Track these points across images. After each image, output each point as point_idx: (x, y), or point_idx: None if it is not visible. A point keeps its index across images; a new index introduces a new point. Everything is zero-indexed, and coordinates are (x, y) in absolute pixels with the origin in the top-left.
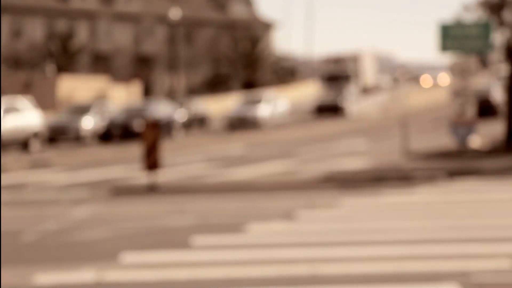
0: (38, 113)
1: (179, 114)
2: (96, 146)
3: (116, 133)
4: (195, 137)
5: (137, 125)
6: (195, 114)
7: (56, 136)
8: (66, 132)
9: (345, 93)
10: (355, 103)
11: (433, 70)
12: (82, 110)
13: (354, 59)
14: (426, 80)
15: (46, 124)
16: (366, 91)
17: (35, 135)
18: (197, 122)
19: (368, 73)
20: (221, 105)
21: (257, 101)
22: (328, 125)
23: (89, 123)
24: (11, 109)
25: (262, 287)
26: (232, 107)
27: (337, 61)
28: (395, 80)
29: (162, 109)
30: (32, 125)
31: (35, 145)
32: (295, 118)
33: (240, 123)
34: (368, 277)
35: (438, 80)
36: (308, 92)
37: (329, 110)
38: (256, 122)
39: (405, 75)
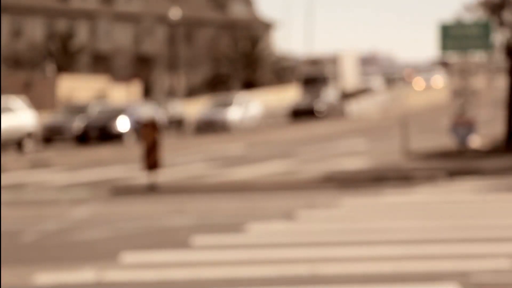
0: (32, 113)
1: (160, 116)
2: (73, 148)
3: (93, 134)
4: (172, 139)
5: (115, 127)
6: (172, 116)
7: (52, 136)
8: (62, 132)
9: (323, 96)
10: (354, 104)
11: (433, 70)
12: (78, 110)
13: (333, 60)
14: (418, 83)
15: (42, 124)
16: (347, 95)
17: (29, 135)
18: (175, 124)
19: (348, 76)
20: None
21: (227, 104)
22: (326, 126)
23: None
24: (5, 109)
25: (262, 287)
26: (201, 110)
27: (315, 63)
28: (391, 81)
29: (142, 110)
30: (26, 125)
31: (29, 145)
32: (280, 120)
33: (208, 127)
34: (368, 277)
35: (432, 82)
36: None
37: (305, 114)
38: (225, 126)
39: (411, 75)
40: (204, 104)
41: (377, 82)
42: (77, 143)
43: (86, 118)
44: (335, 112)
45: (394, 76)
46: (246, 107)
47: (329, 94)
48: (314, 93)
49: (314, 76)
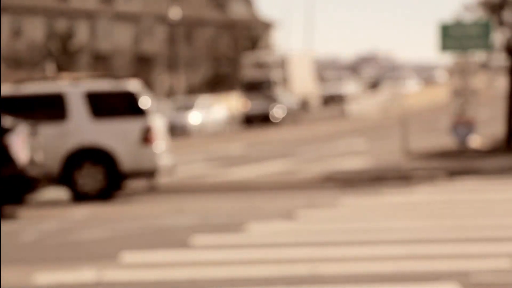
0: None
1: None
2: None
3: None
4: None
5: None
6: None
7: None
8: None
9: (281, 101)
10: (355, 103)
11: (432, 70)
12: None
13: (281, 63)
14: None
15: None
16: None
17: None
18: None
19: (299, 80)
20: None
21: (188, 108)
22: (326, 126)
23: None
24: None
25: (262, 287)
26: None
27: (261, 65)
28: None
29: None
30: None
31: None
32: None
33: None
34: (368, 277)
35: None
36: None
37: (259, 119)
38: (186, 130)
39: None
40: (166, 107)
41: (350, 87)
42: None
43: None
44: (294, 118)
45: (393, 78)
46: (208, 111)
47: (288, 99)
48: (259, 99)
49: (258, 81)
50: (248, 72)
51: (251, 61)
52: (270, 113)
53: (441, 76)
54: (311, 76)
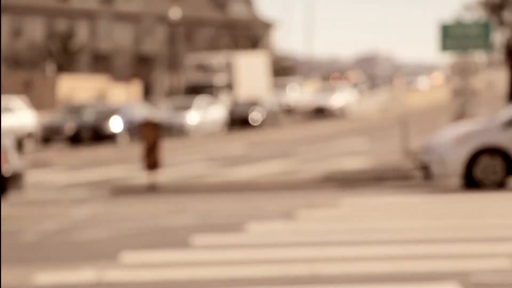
0: (32, 113)
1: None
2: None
3: (85, 135)
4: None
5: (108, 127)
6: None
7: (50, 136)
8: (60, 132)
9: (255, 104)
10: (354, 103)
11: (432, 70)
12: (76, 110)
13: (227, 66)
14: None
15: (41, 123)
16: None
17: (29, 135)
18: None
19: (248, 85)
20: None
21: (186, 107)
22: (326, 126)
23: None
24: (5, 109)
25: (262, 287)
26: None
27: (204, 68)
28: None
29: (136, 111)
30: (26, 125)
31: (29, 146)
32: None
33: (165, 131)
34: (368, 277)
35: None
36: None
37: (238, 122)
38: (183, 130)
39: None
40: (163, 107)
41: (295, 94)
42: (70, 143)
43: (79, 118)
44: (275, 121)
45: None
46: (206, 111)
47: (269, 102)
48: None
49: (199, 85)
50: (190, 76)
51: (194, 63)
52: (250, 116)
53: (423, 83)
54: (265, 81)
